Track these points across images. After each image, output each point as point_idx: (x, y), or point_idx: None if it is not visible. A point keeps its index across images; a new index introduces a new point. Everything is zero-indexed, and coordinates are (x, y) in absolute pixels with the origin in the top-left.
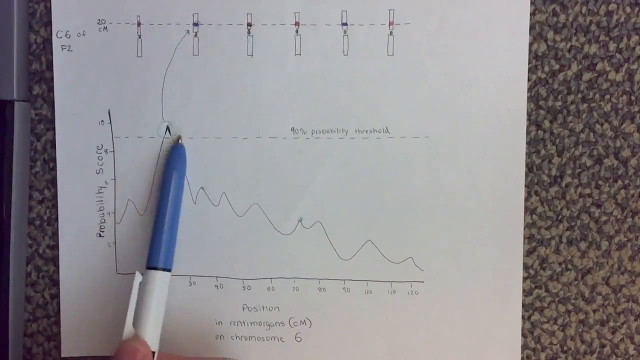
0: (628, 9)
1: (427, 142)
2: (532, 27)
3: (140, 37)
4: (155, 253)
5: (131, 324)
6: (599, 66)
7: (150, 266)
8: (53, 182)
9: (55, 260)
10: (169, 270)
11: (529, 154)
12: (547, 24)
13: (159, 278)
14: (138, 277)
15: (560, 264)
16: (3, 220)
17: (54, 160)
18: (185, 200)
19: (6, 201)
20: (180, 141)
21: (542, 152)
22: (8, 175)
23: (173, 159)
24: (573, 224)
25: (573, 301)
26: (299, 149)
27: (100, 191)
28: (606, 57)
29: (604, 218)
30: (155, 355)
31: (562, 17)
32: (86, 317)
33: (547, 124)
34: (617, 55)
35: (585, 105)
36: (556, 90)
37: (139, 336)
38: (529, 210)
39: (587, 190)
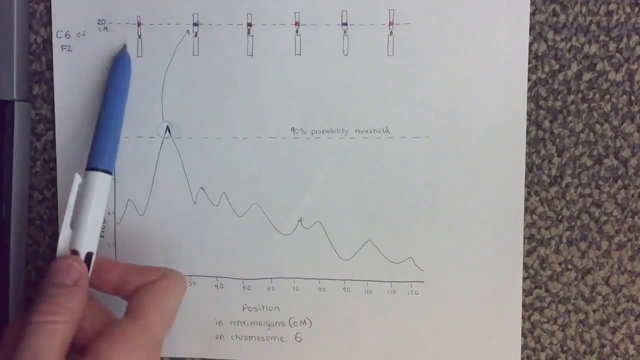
0: (628, 9)
1: (427, 142)
2: (532, 27)
3: (140, 37)
4: (96, 154)
5: (69, 226)
6: (599, 66)
7: (91, 167)
8: (53, 182)
9: None
10: (110, 173)
11: (529, 154)
12: (547, 24)
13: (99, 180)
14: (77, 179)
15: (560, 264)
16: (3, 220)
17: (54, 160)
18: (185, 200)
19: (6, 201)
20: (125, 50)
21: (542, 152)
22: (8, 175)
23: (118, 63)
24: (573, 224)
25: (573, 301)
26: (299, 149)
27: None
28: (606, 57)
29: (604, 218)
30: (93, 256)
31: (562, 17)
32: None
33: (547, 124)
34: (617, 55)
35: (585, 105)
36: (556, 90)
37: (76, 238)
38: (529, 210)
39: (587, 190)
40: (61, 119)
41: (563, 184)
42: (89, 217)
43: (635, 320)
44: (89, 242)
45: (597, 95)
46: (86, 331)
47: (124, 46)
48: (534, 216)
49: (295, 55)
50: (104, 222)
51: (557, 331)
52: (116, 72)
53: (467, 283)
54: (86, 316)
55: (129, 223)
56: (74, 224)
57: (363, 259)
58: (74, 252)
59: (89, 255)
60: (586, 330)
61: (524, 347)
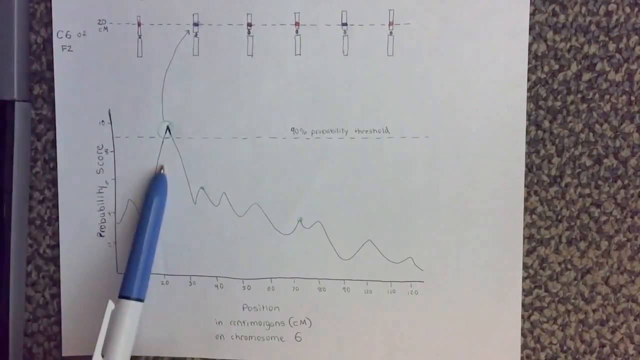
0: (628, 9)
1: (427, 142)
2: (532, 27)
3: (140, 37)
4: (129, 283)
5: (100, 353)
6: (599, 66)
7: (123, 295)
8: (53, 182)
9: (55, 260)
10: (142, 301)
11: (528, 154)
12: (546, 24)
13: (131, 308)
14: (110, 306)
15: (559, 263)
16: (3, 220)
17: (55, 160)
18: (185, 200)
19: (6, 201)
20: (162, 171)
21: (542, 152)
22: (8, 175)
23: (154, 188)
24: (573, 223)
25: (573, 301)
26: (299, 149)
27: (100, 191)
28: (606, 57)
29: (604, 218)
30: None
31: (562, 17)
32: (86, 317)
33: (546, 124)
34: (617, 55)
35: (584, 105)
36: (556, 90)
37: None
38: (528, 210)
39: (587, 190)
40: (61, 119)
41: (563, 184)
42: (120, 347)
43: (635, 320)
44: None
45: (597, 95)
46: None
47: (161, 167)
48: (534, 216)
49: (295, 55)
50: (104, 222)
51: (556, 331)
52: (152, 195)
53: (467, 283)
54: None
55: (129, 223)
56: (105, 351)
57: (363, 259)
58: None
59: None
60: (586, 330)
61: (524, 346)
